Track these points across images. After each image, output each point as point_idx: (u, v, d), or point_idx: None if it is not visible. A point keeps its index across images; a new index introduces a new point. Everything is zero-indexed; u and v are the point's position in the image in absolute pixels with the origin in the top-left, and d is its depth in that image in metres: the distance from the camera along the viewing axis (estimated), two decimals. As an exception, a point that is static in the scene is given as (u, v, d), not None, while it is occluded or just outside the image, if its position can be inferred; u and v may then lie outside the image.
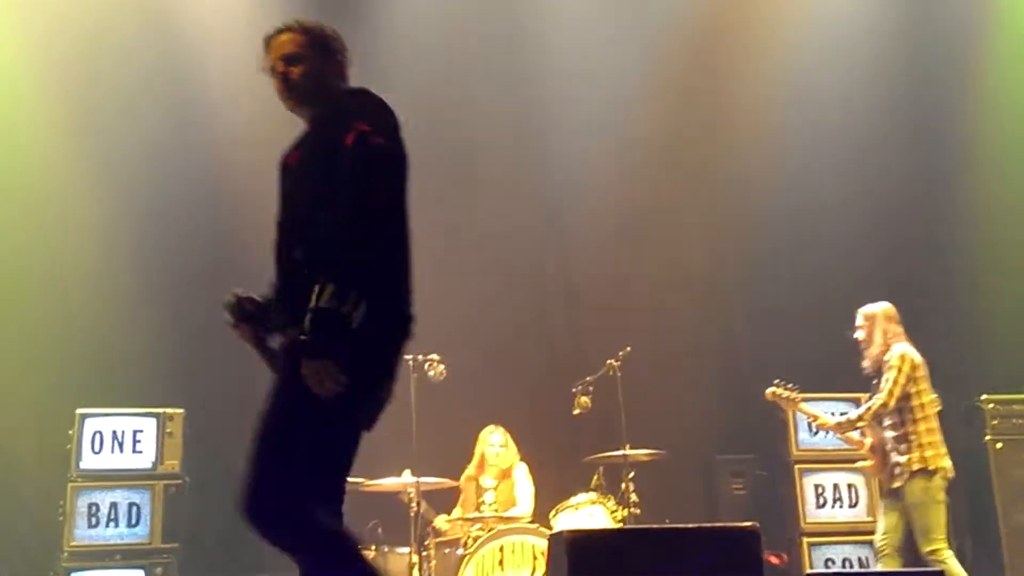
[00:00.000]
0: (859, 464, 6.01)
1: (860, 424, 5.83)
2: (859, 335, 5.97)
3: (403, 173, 3.07)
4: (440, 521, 6.58)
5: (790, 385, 6.02)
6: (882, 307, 5.94)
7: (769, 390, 6.05)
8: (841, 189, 8.14)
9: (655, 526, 4.19)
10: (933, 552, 5.50)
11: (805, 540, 7.06)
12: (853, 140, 8.24)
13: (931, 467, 5.58)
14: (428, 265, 7.99)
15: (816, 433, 7.19)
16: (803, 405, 6.05)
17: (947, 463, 5.64)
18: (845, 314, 7.87)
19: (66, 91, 7.47)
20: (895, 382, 5.65)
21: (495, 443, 6.74)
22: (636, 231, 8.06)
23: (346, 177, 2.91)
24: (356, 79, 3.37)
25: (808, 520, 7.12)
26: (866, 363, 5.93)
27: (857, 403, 7.21)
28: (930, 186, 8.22)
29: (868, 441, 5.92)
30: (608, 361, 6.40)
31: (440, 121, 8.00)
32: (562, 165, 8.11)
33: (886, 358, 5.75)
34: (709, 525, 3.78)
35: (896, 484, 5.67)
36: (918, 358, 5.73)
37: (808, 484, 7.19)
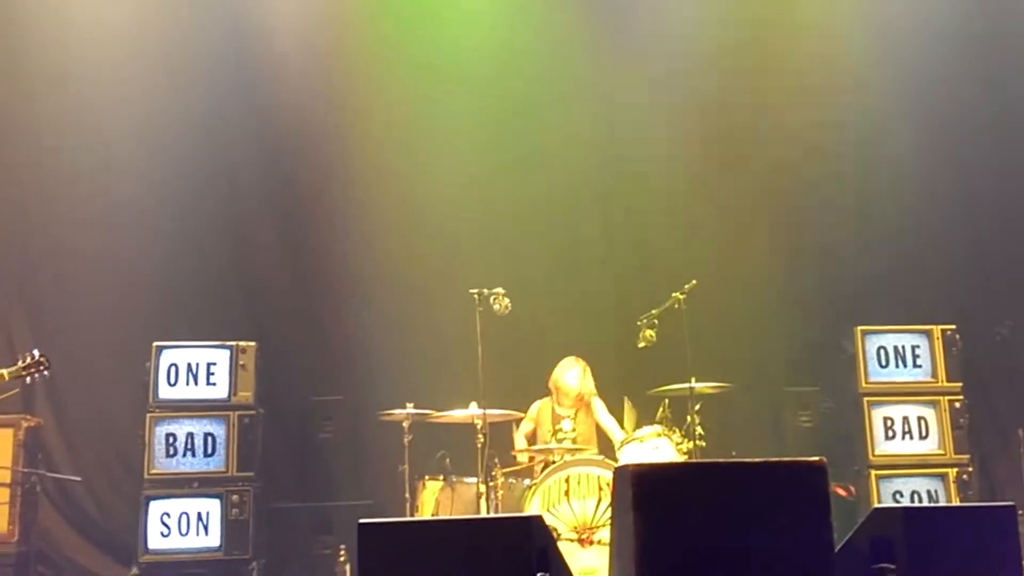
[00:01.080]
0: None
1: None
2: None
3: None
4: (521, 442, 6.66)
5: None
6: None
7: None
8: (915, 118, 7.92)
9: (721, 460, 4.18)
10: None
11: (873, 473, 7.00)
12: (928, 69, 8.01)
13: None
14: (495, 202, 8.04)
15: (886, 365, 7.14)
16: None
17: None
18: (910, 245, 7.77)
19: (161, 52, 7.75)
20: None
21: (575, 374, 6.74)
22: (702, 163, 7.94)
23: None
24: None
25: (876, 453, 7.06)
26: None
27: (928, 335, 7.14)
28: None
29: None
30: (673, 294, 6.35)
31: (508, 62, 7.98)
32: (626, 96, 8.01)
33: None
34: (776, 459, 3.75)
35: None
36: None
37: (877, 416, 7.10)
